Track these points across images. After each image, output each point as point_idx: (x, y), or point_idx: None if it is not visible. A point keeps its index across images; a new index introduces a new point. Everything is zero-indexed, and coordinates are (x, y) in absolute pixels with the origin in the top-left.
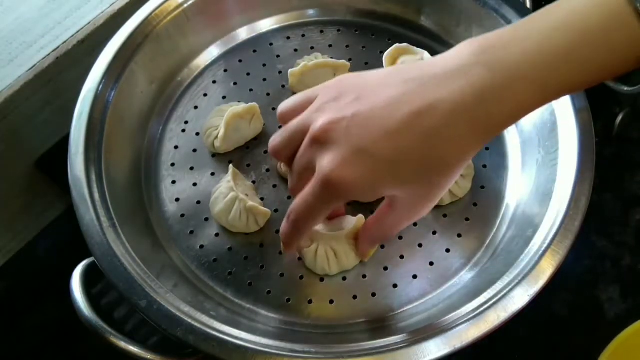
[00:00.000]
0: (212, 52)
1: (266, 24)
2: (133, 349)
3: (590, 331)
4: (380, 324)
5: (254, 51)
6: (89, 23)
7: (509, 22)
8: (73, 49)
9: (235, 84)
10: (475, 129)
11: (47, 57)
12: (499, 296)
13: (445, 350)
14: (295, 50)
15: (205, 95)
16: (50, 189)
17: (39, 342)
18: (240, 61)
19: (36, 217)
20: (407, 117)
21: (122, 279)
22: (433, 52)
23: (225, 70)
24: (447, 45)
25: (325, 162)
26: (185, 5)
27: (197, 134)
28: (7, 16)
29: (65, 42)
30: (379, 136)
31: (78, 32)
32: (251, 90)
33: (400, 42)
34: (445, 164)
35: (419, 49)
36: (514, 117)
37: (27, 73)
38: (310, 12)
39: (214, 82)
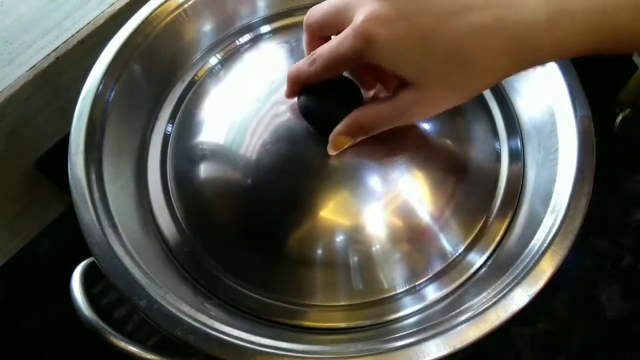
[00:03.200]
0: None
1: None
2: (133, 349)
3: (591, 331)
4: (379, 324)
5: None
6: (89, 23)
7: None
8: (73, 49)
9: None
10: (512, 47)
11: (47, 57)
12: (499, 296)
13: (445, 351)
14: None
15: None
16: (50, 189)
17: (39, 343)
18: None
19: (36, 217)
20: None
21: (122, 279)
22: None
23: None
24: None
25: (364, 15)
26: (186, 5)
27: None
28: (7, 16)
29: (65, 42)
30: (428, 10)
31: (78, 32)
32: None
33: None
34: (475, 66)
35: None
36: (557, 53)
37: (27, 73)
38: None
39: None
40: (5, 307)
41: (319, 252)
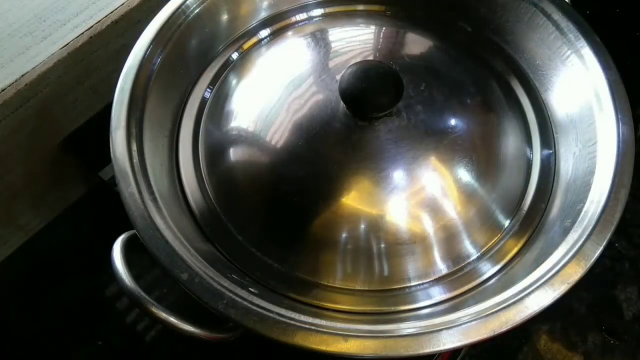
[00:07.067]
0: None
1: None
2: (173, 320)
3: (609, 329)
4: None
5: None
6: (123, 4)
7: (548, 15)
8: (106, 29)
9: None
10: None
11: (81, 35)
12: (522, 294)
13: (460, 343)
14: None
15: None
16: (74, 169)
17: (60, 321)
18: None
19: (60, 195)
20: None
21: (163, 252)
22: None
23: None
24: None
25: None
26: None
27: None
28: None
29: (99, 21)
30: None
31: (112, 12)
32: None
33: None
34: None
35: None
36: None
37: (61, 51)
38: None
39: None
40: (25, 286)
41: (343, 235)
